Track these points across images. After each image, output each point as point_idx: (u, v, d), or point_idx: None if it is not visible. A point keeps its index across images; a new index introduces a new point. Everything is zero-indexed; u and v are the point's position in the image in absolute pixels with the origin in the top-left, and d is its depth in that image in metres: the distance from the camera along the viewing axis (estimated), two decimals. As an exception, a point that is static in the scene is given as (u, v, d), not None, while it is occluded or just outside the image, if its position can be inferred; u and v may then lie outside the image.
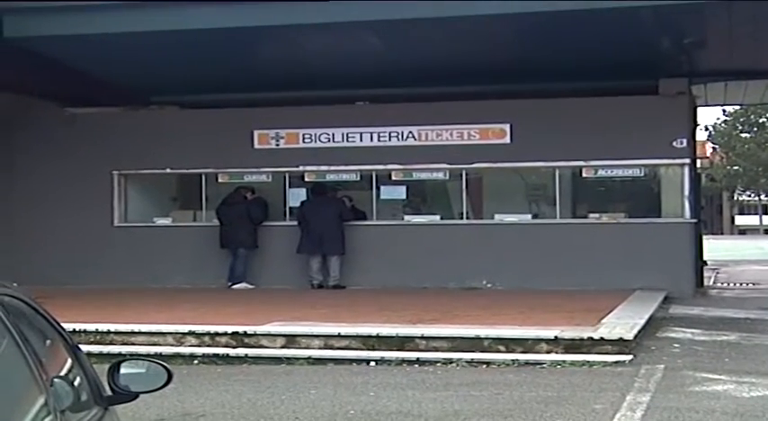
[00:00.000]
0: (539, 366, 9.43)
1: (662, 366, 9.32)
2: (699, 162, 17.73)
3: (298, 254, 16.29)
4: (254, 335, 10.37)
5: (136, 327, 10.67)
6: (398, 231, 16.67)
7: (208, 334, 10.46)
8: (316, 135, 16.76)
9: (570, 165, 16.23)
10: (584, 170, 16.17)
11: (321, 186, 16.62)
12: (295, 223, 16.54)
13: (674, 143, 15.65)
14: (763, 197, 66.78)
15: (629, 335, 9.90)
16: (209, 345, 10.35)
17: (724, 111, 57.26)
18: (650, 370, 9.14)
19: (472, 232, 16.43)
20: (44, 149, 17.30)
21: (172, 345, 10.37)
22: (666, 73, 15.77)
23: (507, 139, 16.21)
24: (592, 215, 16.33)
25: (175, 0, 13.36)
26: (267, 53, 15.49)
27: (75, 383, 3.31)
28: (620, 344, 9.72)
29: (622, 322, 10.83)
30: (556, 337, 9.85)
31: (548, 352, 9.75)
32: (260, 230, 16.69)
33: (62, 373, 3.28)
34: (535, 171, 16.92)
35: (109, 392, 3.60)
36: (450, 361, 9.64)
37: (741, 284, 19.76)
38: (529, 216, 16.64)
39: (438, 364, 9.59)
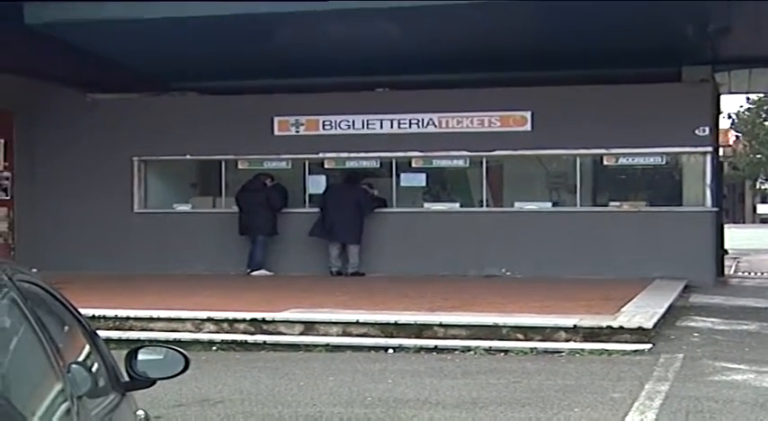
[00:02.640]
0: (557, 354, 9.43)
1: (681, 355, 9.29)
2: (721, 150, 17.64)
3: (309, 236, 16.27)
4: (273, 321, 10.39)
5: (155, 313, 10.71)
6: (418, 219, 16.66)
7: (226, 320, 10.49)
8: (336, 122, 16.75)
9: (591, 152, 16.17)
10: (605, 158, 16.09)
11: (354, 174, 16.61)
12: (315, 210, 16.55)
13: (697, 131, 15.56)
14: (786, 186, 66.30)
15: (649, 324, 9.87)
16: (227, 332, 10.37)
17: (748, 98, 56.80)
18: (669, 359, 9.12)
19: (492, 220, 16.41)
20: (65, 135, 17.36)
21: (190, 332, 10.40)
22: (690, 60, 15.66)
23: (528, 127, 16.16)
24: (612, 203, 16.27)
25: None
26: (287, 39, 15.47)
27: (93, 369, 3.34)
28: (639, 333, 9.70)
29: (642, 311, 10.80)
30: (575, 326, 9.83)
31: (566, 340, 9.73)
32: (279, 217, 16.69)
33: (80, 359, 3.31)
34: (556, 159, 16.86)
35: (126, 378, 3.63)
36: (469, 348, 9.64)
37: (762, 273, 19.65)
38: (549, 204, 16.59)
39: (456, 352, 9.59)
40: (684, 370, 8.61)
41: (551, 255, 15.80)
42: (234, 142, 16.92)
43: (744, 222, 64.76)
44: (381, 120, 16.65)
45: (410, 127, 16.56)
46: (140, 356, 3.66)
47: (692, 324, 11.39)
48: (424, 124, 16.51)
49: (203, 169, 18.26)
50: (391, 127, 16.60)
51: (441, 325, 10.12)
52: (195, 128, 17.06)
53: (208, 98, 17.60)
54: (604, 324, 9.85)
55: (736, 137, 54.77)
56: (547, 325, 9.93)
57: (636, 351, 9.41)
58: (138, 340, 9.50)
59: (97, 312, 10.44)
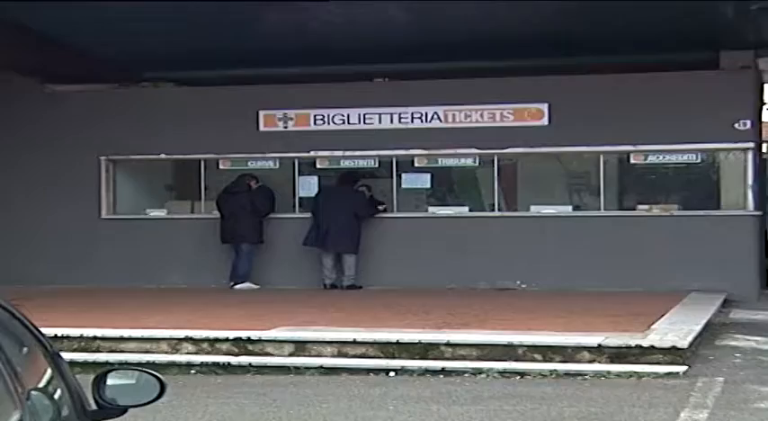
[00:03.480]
0: (580, 377, 9.42)
1: (721, 379, 9.27)
2: (764, 146, 17.58)
3: (304, 246, 16.29)
4: (259, 341, 10.38)
5: (125, 333, 10.69)
6: (422, 224, 16.65)
7: (207, 340, 10.48)
8: (329, 116, 16.76)
9: (617, 149, 16.16)
10: (632, 156, 16.09)
11: (350, 175, 16.62)
12: (306, 215, 16.56)
13: (737, 125, 15.54)
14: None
15: (684, 343, 9.85)
16: (208, 353, 10.37)
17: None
18: (708, 383, 9.09)
19: (505, 226, 16.40)
20: (20, 133, 17.32)
21: (166, 353, 10.40)
22: (729, 44, 15.63)
23: (545, 121, 16.16)
24: (641, 207, 16.26)
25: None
26: (274, 23, 15.47)
27: (56, 396, 3.31)
28: (672, 354, 9.68)
29: (675, 328, 10.79)
30: (599, 345, 9.82)
31: (590, 361, 9.73)
32: (266, 223, 16.69)
33: (40, 385, 3.28)
34: (577, 157, 16.86)
35: (94, 406, 3.59)
36: (480, 371, 9.64)
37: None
38: (569, 208, 16.59)
39: (466, 375, 9.59)
40: (726, 395, 8.58)
41: (572, 266, 15.79)
42: (214, 139, 16.91)
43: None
44: (380, 115, 16.66)
45: (412, 122, 16.57)
46: (109, 381, 3.63)
47: (734, 343, 11.37)
48: (429, 118, 16.53)
49: (180, 170, 18.26)
50: (391, 122, 16.62)
51: (448, 344, 10.10)
52: (171, 123, 17.05)
53: (185, 90, 17.59)
54: (633, 343, 9.83)
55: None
56: (568, 344, 9.92)
57: (669, 374, 9.39)
58: (107, 363, 9.46)
59: (60, 331, 10.42)
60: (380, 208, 16.59)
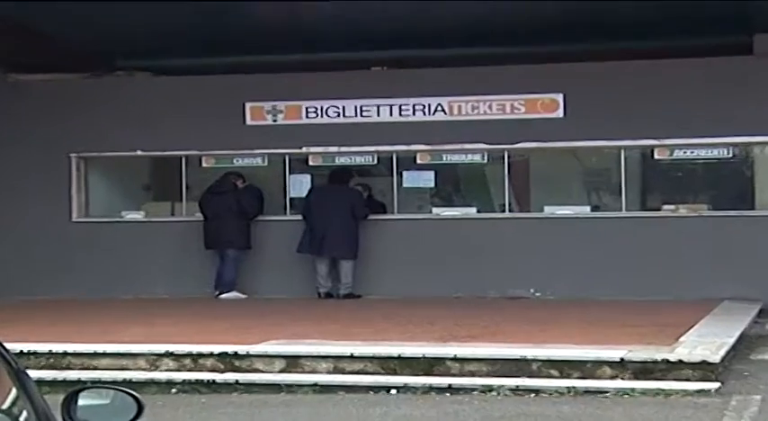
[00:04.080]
0: (601, 395, 9.40)
1: (758, 397, 9.24)
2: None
3: (298, 253, 16.30)
4: (247, 356, 10.37)
5: (99, 348, 10.67)
6: (425, 227, 16.64)
7: (189, 355, 10.46)
8: (322, 108, 16.77)
9: (639, 144, 16.15)
10: (656, 150, 16.09)
11: (343, 172, 16.64)
12: (297, 218, 16.56)
13: (772, 116, 15.56)
14: None
15: (716, 358, 9.83)
16: (190, 370, 10.36)
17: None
18: (743, 401, 9.07)
19: (516, 228, 16.39)
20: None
21: (144, 370, 10.38)
22: (764, 27, 15.60)
23: (560, 113, 16.15)
24: (666, 207, 16.25)
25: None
26: (262, 5, 15.42)
27: (21, 418, 3.28)
28: (703, 369, 9.66)
29: (706, 341, 10.77)
30: (622, 359, 9.81)
31: (612, 377, 9.72)
32: (254, 227, 16.69)
33: (4, 406, 3.25)
34: (595, 152, 16.87)
35: (63, 429, 3.57)
36: (490, 388, 9.63)
37: None
38: (587, 208, 16.59)
39: (475, 393, 9.57)
40: (763, 415, 8.56)
41: (591, 272, 15.78)
42: (196, 134, 16.90)
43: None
44: (379, 106, 16.68)
45: (414, 114, 16.59)
46: (81, 401, 3.61)
47: (770, 356, 11.35)
48: (432, 111, 16.55)
49: (159, 168, 18.27)
50: (391, 114, 16.63)
51: (455, 359, 10.09)
52: (148, 117, 17.02)
53: (163, 80, 17.57)
54: (659, 357, 9.82)
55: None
56: (587, 358, 9.90)
57: (700, 391, 9.38)
58: (79, 381, 9.46)
59: (26, 347, 10.41)
60: (378, 208, 16.62)
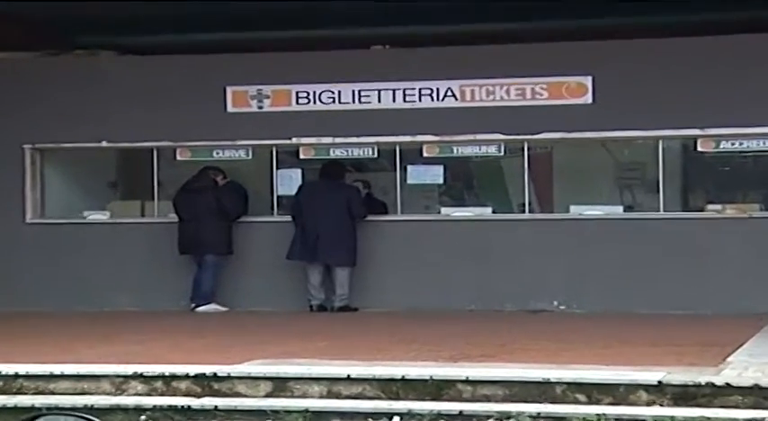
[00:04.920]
0: (636, 424, 9.33)
1: (818, 426, 9.18)
2: None
3: (288, 260, 16.28)
4: (228, 378, 10.33)
5: (56, 369, 10.62)
6: (432, 230, 16.64)
7: (161, 377, 10.41)
8: (315, 93, 16.77)
9: (680, 134, 16.14)
10: (700, 142, 16.05)
11: (335, 166, 16.65)
12: (286, 219, 16.55)
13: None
14: None
15: (768, 380, 9.78)
16: (162, 394, 10.29)
17: None
18: (799, 431, 9.01)
19: (538, 231, 16.39)
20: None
21: (109, 394, 10.31)
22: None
23: (588, 98, 16.14)
24: (711, 206, 16.23)
25: None
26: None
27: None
28: (755, 394, 9.59)
29: (758, 361, 10.71)
30: (660, 383, 9.76)
31: (649, 403, 9.66)
32: (236, 229, 16.70)
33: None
34: (629, 143, 16.86)
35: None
36: (508, 415, 9.55)
37: None
38: (619, 208, 16.59)
39: (490, 420, 9.48)
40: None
41: (624, 282, 15.79)
42: (170, 123, 16.89)
43: None
44: (380, 91, 16.70)
45: (420, 100, 16.60)
46: (33, 431, 3.57)
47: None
48: (441, 96, 16.56)
49: (127, 162, 18.27)
50: (394, 100, 16.65)
51: (467, 381, 10.05)
52: (114, 103, 17.03)
53: (131, 60, 17.58)
54: (703, 380, 9.76)
55: None
56: (620, 381, 9.86)
57: (752, 420, 9.31)
58: (33, 407, 9.41)
59: (-26, 367, 10.35)
60: (378, 208, 16.63)
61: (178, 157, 17.26)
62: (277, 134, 16.78)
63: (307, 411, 9.84)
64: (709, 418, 9.38)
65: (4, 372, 10.55)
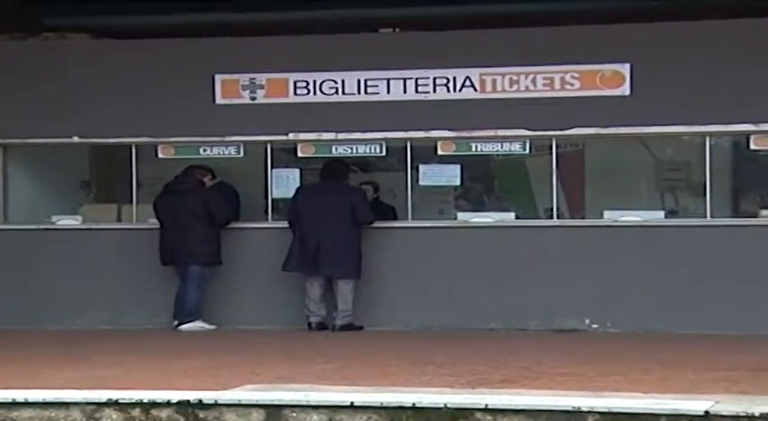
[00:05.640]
0: (679, 460, 9.29)
1: None
2: None
3: (284, 272, 16.29)
4: (215, 405, 10.26)
5: (20, 395, 10.56)
6: (448, 238, 16.65)
7: (139, 404, 10.35)
8: (315, 83, 16.82)
9: (730, 129, 16.14)
10: (753, 138, 16.06)
11: (338, 166, 16.65)
12: (283, 225, 16.56)
13: None
14: None
15: (832, 411, 9.72)
16: (140, 423, 10.26)
17: None
18: None
19: (568, 240, 16.40)
20: None
21: (80, 423, 10.28)
22: None
23: (626, 89, 16.15)
24: (765, 212, 16.23)
25: None
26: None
27: None
28: (816, 426, 9.55)
29: (818, 388, 10.67)
30: (707, 413, 9.68)
31: (694, 436, 9.61)
32: (225, 236, 16.69)
33: None
34: (671, 140, 16.89)
35: None
36: (534, 449, 9.54)
37: None
38: (660, 214, 16.58)
39: (513, 455, 9.47)
40: None
41: (665, 297, 15.80)
42: (151, 116, 16.94)
43: None
44: (389, 80, 16.74)
45: (435, 91, 16.66)
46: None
47: None
48: (458, 86, 16.61)
49: (101, 160, 18.33)
50: (405, 91, 16.71)
51: (486, 409, 9.98)
52: (87, 93, 17.07)
53: (107, 44, 17.65)
54: (757, 410, 9.68)
55: None
56: (661, 410, 9.79)
57: (810, 455, 9.26)
58: (-6, 437, 9.38)
59: (-74, 392, 10.33)
60: (386, 213, 16.64)
61: (160, 155, 17.28)
62: (272, 129, 16.78)
63: (304, 443, 9.82)
64: (762, 454, 9.35)
65: (-40, 398, 10.53)
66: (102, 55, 17.38)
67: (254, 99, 16.92)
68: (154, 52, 17.11)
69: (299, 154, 17.02)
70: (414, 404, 10.12)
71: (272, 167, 17.06)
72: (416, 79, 16.61)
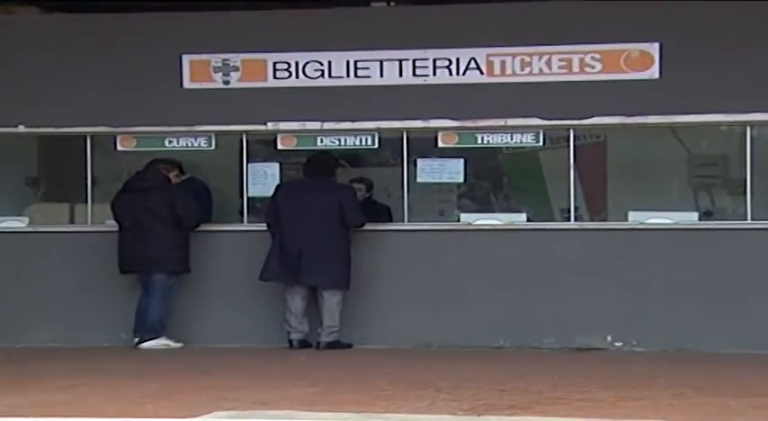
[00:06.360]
0: None
1: None
2: None
3: (262, 281, 16.29)
4: (181, 435, 10.28)
5: (-45, 422, 10.58)
6: (450, 243, 16.67)
7: (94, 433, 10.37)
8: (297, 65, 16.86)
9: (774, 119, 16.22)
10: (800, 129, 16.16)
11: (323, 160, 16.66)
12: (261, 227, 16.57)
13: None
14: None
15: None
16: (95, 455, 10.26)
17: None
18: None
19: (587, 245, 16.40)
20: None
21: (25, 456, 10.27)
22: None
23: (654, 72, 16.19)
24: (816, 213, 16.27)
25: None
26: None
27: None
28: None
29: None
30: (748, 443, 9.73)
31: (733, 470, 9.64)
32: (194, 240, 16.70)
33: None
34: (707, 131, 16.96)
35: None
36: (548, 485, 9.56)
37: None
38: (693, 215, 16.64)
39: (524, 492, 9.50)
40: None
41: (699, 311, 15.84)
42: (108, 102, 16.96)
43: None
44: (382, 62, 16.80)
45: (435, 74, 16.72)
46: None
47: None
48: (461, 69, 16.67)
49: (51, 153, 18.36)
50: (401, 74, 16.77)
51: (494, 440, 10.02)
52: (35, 75, 17.11)
53: (58, 20, 17.67)
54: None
55: None
56: (695, 441, 9.83)
57: None
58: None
59: None
60: (379, 213, 16.66)
61: (119, 147, 17.29)
62: (248, 117, 16.82)
63: (284, 478, 9.83)
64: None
65: None
66: (53, 31, 17.36)
67: (227, 83, 16.95)
68: (112, 29, 17.09)
69: (280, 146, 17.05)
70: (410, 433, 10.14)
71: (247, 161, 17.07)
72: (414, 60, 16.65)
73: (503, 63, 16.50)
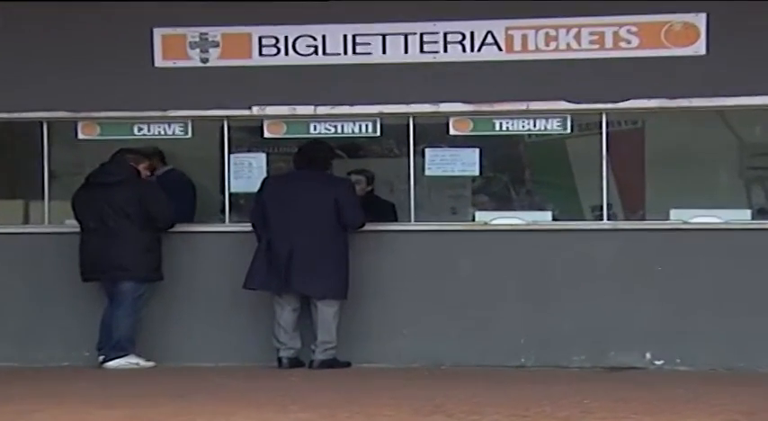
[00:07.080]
0: None
1: None
2: None
3: (246, 290, 16.30)
4: (151, 468, 10.27)
5: None
6: (463, 245, 16.69)
7: (50, 467, 10.37)
8: (287, 40, 16.92)
9: (842, 101, 16.24)
10: None
11: (317, 151, 16.66)
12: (245, 227, 16.62)
13: None
14: None
15: None
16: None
17: None
18: None
19: (623, 248, 16.44)
20: None
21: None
22: None
23: (700, 47, 16.20)
24: None
25: None
26: None
27: None
28: None
29: None
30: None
31: None
32: (167, 243, 16.71)
33: None
34: (759, 116, 16.89)
35: None
36: None
37: None
38: (746, 213, 16.66)
39: None
40: None
41: (752, 325, 15.86)
42: (68, 85, 17.04)
43: None
44: (384, 37, 16.89)
45: (446, 50, 16.79)
46: None
47: None
48: (476, 44, 16.72)
49: (3, 143, 18.38)
50: (405, 51, 16.85)
51: (516, 473, 10.00)
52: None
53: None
54: None
55: None
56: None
57: None
58: None
59: None
60: (383, 211, 16.68)
61: (80, 136, 17.36)
62: (230, 101, 16.89)
63: None
64: None
65: None
66: (6, 5, 17.33)
67: (205, 61, 17.00)
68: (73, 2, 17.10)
69: (267, 134, 17.12)
70: (417, 464, 10.15)
71: (229, 152, 17.14)
72: (421, 35, 16.71)
73: (524, 37, 16.55)
